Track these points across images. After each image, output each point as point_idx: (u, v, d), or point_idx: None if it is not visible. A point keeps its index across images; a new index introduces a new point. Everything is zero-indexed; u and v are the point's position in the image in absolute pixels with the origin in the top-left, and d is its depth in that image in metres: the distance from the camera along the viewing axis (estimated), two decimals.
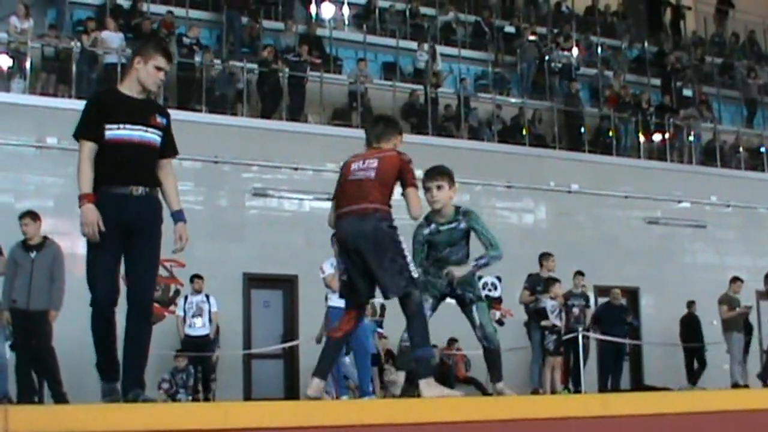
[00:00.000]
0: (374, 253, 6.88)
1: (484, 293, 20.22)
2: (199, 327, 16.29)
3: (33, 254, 12.04)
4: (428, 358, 6.85)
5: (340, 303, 12.67)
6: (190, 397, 15.93)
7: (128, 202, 6.63)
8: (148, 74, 6.86)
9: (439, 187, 7.83)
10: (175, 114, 19.73)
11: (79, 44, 19.55)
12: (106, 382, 6.71)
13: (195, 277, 16.41)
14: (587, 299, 17.59)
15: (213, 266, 17.00)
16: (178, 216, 6.98)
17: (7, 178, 17.27)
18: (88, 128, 6.72)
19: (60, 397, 12.07)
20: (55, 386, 12.21)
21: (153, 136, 6.81)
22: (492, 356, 8.17)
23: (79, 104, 18.59)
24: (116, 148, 6.65)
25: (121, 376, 6.67)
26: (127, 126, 6.69)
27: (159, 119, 6.90)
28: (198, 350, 16.20)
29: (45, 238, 12.25)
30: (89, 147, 6.65)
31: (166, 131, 6.95)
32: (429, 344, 6.85)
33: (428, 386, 6.73)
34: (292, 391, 18.65)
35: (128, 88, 6.90)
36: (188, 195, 18.63)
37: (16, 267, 12.08)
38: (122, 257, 6.68)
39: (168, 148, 6.98)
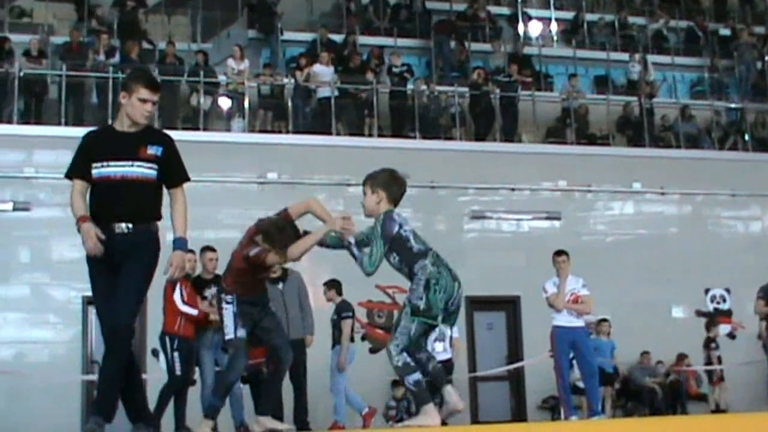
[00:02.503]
0: None
1: (712, 306, 19.89)
2: (440, 352, 16.34)
3: (280, 286, 12.30)
4: (212, 406, 7.88)
5: (565, 322, 12.62)
6: None
7: (111, 239, 6.62)
8: (133, 107, 6.76)
9: (364, 194, 7.32)
10: (389, 142, 20.13)
11: (293, 80, 20.03)
12: (104, 418, 6.58)
13: None
14: None
15: None
16: (176, 244, 6.84)
17: (233, 214, 17.77)
18: (75, 167, 6.79)
19: (303, 423, 12.29)
20: (303, 412, 12.44)
21: (140, 170, 6.71)
22: (401, 380, 7.07)
23: (297, 139, 19.17)
24: (99, 185, 6.70)
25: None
26: (111, 163, 6.67)
27: (151, 150, 6.77)
28: None
29: (284, 268, 12.48)
30: (80, 184, 6.72)
31: (164, 161, 6.83)
32: (219, 398, 8.05)
33: (201, 425, 7.86)
34: (519, 413, 18.50)
35: (120, 123, 6.88)
36: None
37: None
38: None
39: (171, 176, 6.90)
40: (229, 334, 7.71)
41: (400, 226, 7.19)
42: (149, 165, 6.72)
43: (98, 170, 6.66)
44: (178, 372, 12.15)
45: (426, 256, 7.15)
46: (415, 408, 7.09)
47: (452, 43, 22.89)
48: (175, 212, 6.85)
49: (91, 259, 6.66)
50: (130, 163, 6.67)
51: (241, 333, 7.73)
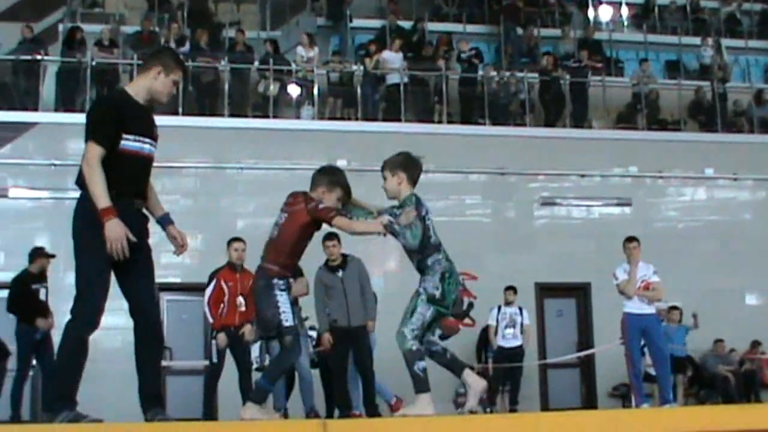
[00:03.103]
0: (255, 302, 7.79)
1: None
2: (511, 338, 16.35)
3: (340, 273, 12.35)
4: (262, 390, 7.60)
5: (637, 309, 12.53)
6: (488, 410, 15.92)
7: (130, 215, 6.24)
8: (164, 86, 6.47)
9: (385, 179, 7.71)
10: (459, 128, 20.10)
11: (362, 67, 20.06)
12: (71, 409, 6.28)
13: (507, 289, 16.47)
14: None
15: (504, 277, 16.99)
16: (167, 219, 6.61)
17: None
18: (106, 134, 6.20)
19: (373, 408, 12.35)
20: (372, 396, 12.50)
21: (153, 149, 6.47)
22: (405, 362, 7.41)
23: (366, 126, 19.19)
24: (128, 159, 6.25)
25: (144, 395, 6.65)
26: (139, 138, 6.31)
27: (156, 131, 6.53)
28: (510, 361, 16.23)
29: (344, 255, 12.53)
30: (101, 153, 6.15)
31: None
32: (271, 382, 7.66)
33: (246, 409, 7.43)
34: (589, 400, 18.42)
35: (136, 95, 6.45)
36: (476, 208, 18.81)
37: (327, 289, 12.40)
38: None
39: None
40: (289, 321, 7.45)
41: (427, 212, 7.46)
42: (156, 145, 6.54)
43: (131, 143, 6.27)
44: (214, 359, 12.39)
45: (439, 251, 7.45)
46: (415, 392, 7.34)
47: (518, 29, 22.77)
48: (153, 190, 6.65)
49: (102, 233, 6.14)
50: (151, 141, 6.43)
51: (296, 319, 7.67)
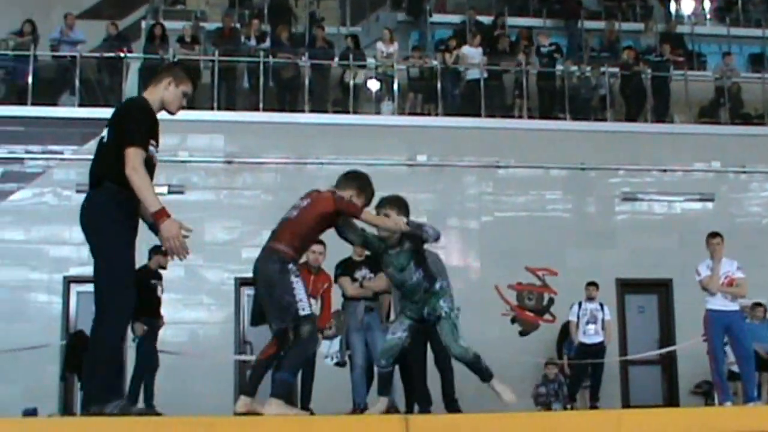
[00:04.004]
0: (263, 289, 7.49)
1: None
2: (593, 334, 16.23)
3: None
4: (286, 383, 7.24)
5: (720, 306, 12.38)
6: (569, 406, 15.86)
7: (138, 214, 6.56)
8: (174, 97, 6.65)
9: (385, 215, 8.03)
10: (539, 123, 19.99)
11: (441, 63, 20.05)
12: (120, 399, 6.32)
13: (589, 285, 16.36)
14: None
15: (585, 273, 16.88)
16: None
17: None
18: (146, 139, 6.40)
19: (453, 404, 12.31)
20: (451, 392, 12.44)
21: None
22: (471, 368, 8.27)
23: (446, 121, 19.16)
24: (149, 164, 6.39)
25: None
26: (156, 144, 6.51)
27: None
28: (591, 358, 16.13)
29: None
30: (144, 158, 6.32)
31: None
32: (293, 374, 7.38)
33: (270, 405, 7.13)
34: (670, 398, 18.24)
35: (151, 103, 6.63)
36: (557, 203, 18.71)
37: None
38: None
39: None
40: (306, 309, 7.21)
41: None
42: None
43: (153, 149, 6.47)
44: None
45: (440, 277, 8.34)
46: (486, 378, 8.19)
47: (601, 23, 22.64)
48: None
49: (128, 232, 6.49)
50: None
51: (314, 306, 7.56)
